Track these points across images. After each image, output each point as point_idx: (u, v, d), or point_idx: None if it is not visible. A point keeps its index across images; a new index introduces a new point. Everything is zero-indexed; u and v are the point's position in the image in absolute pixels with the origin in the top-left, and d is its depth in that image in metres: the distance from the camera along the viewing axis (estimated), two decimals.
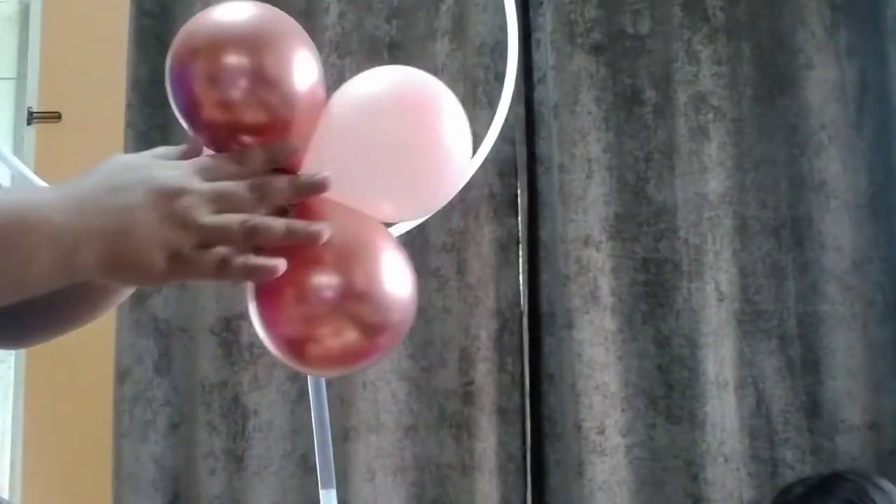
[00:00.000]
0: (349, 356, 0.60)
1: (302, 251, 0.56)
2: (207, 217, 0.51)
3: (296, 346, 0.60)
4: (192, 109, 0.60)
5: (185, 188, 0.52)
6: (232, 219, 0.52)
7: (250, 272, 0.54)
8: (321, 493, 1.10)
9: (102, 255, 0.49)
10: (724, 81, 1.97)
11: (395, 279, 0.60)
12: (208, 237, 0.52)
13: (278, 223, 0.54)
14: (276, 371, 1.93)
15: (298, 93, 0.60)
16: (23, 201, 0.50)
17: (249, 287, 0.60)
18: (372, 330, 0.58)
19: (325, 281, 0.57)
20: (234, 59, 0.58)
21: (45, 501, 2.00)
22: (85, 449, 1.99)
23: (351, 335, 0.58)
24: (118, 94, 1.97)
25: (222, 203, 0.52)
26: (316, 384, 1.07)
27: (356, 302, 0.58)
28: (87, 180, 0.52)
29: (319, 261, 0.57)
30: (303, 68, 0.61)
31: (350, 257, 0.58)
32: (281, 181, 0.56)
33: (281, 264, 0.54)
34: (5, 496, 1.98)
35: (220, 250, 0.52)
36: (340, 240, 0.57)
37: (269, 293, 0.59)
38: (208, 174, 0.54)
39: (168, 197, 0.51)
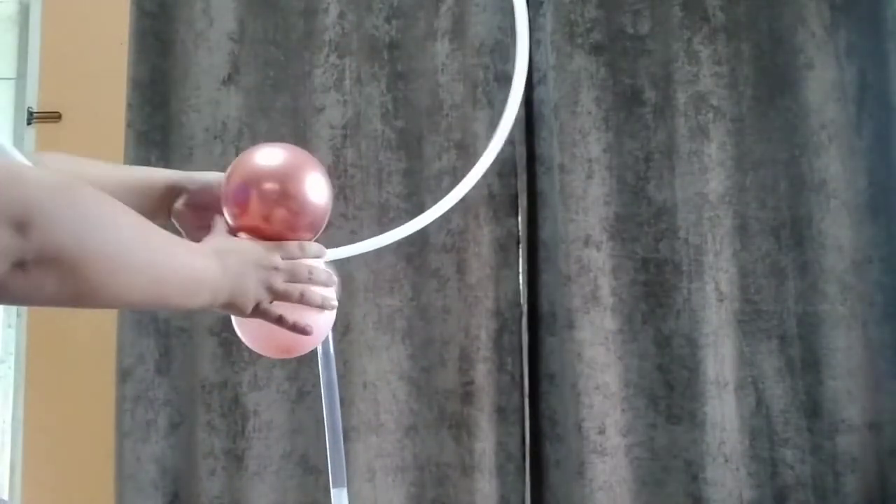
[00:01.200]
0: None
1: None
2: (281, 284, 0.88)
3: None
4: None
5: (273, 265, 0.87)
6: (293, 289, 0.89)
7: (294, 328, 0.91)
8: (332, 491, 1.10)
9: (227, 301, 0.83)
10: (724, 81, 1.97)
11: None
12: (277, 297, 0.88)
13: (317, 297, 0.93)
14: (276, 371, 1.93)
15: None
16: (202, 266, 0.81)
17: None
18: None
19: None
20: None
21: (45, 501, 2.00)
22: (85, 449, 1.99)
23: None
24: (118, 94, 1.97)
25: (290, 277, 0.89)
26: (328, 381, 1.08)
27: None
28: (224, 261, 0.85)
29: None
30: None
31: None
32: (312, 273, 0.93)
33: (309, 329, 0.94)
34: (5, 496, 1.98)
35: (279, 309, 0.89)
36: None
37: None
38: (284, 254, 0.89)
39: (264, 270, 0.87)
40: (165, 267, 0.75)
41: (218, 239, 0.88)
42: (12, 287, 0.62)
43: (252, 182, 0.90)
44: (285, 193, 0.89)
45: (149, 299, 0.75)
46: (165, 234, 0.78)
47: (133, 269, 0.71)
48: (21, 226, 0.60)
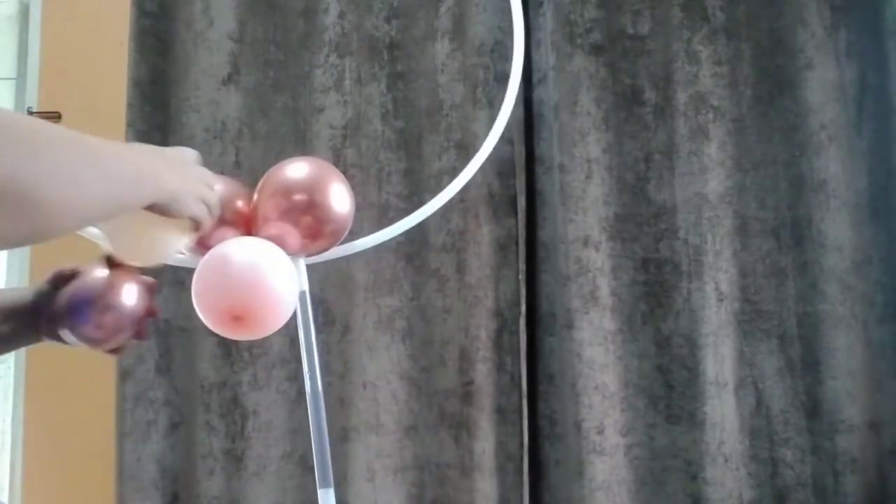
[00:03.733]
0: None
1: None
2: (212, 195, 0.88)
3: None
4: None
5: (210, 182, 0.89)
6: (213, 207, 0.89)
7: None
8: (319, 492, 1.11)
9: (171, 193, 0.79)
10: (724, 81, 1.97)
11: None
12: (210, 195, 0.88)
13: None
14: (275, 371, 1.93)
15: None
16: (147, 159, 0.79)
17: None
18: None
19: None
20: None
21: (45, 501, 2.00)
22: (85, 449, 1.99)
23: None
24: (118, 94, 1.97)
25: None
26: (312, 384, 1.09)
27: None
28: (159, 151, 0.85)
29: None
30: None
31: None
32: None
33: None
34: (5, 496, 1.98)
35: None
36: None
37: None
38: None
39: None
40: (112, 167, 0.70)
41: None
42: None
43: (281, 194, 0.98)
44: (312, 203, 0.98)
45: (106, 206, 0.70)
46: (97, 139, 0.71)
47: (84, 178, 0.65)
48: None
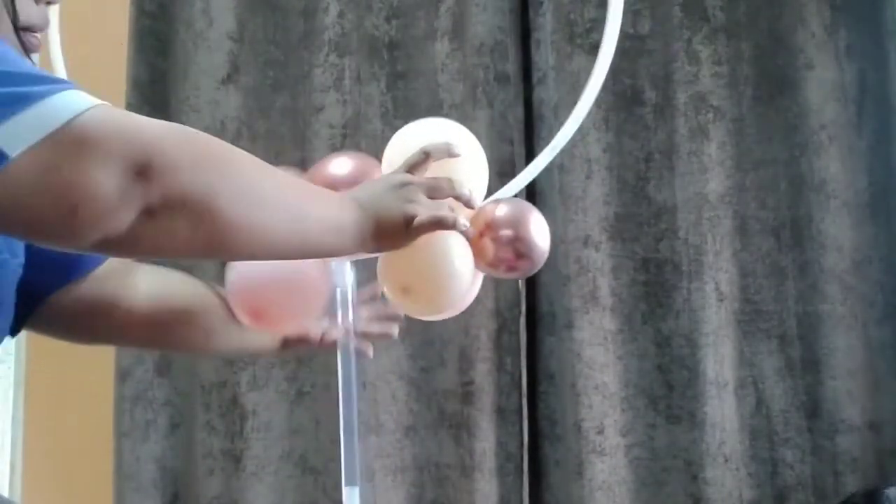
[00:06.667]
0: None
1: None
2: (424, 198, 0.80)
3: None
4: None
5: (405, 180, 0.83)
6: (438, 204, 0.83)
7: (456, 226, 0.82)
8: (344, 490, 1.11)
9: (376, 230, 0.76)
10: (724, 81, 1.97)
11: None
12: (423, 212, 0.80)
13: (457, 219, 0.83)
14: (275, 371, 1.93)
15: None
16: (338, 200, 0.77)
17: None
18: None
19: None
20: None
21: (45, 501, 2.00)
22: (85, 449, 1.98)
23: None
24: (118, 94, 1.96)
25: (430, 191, 0.82)
26: (345, 378, 1.09)
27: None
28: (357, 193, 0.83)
29: None
30: None
31: None
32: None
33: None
34: (5, 496, 1.98)
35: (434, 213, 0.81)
36: None
37: None
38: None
39: (399, 187, 0.81)
40: (303, 201, 0.72)
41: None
42: (145, 237, 0.60)
43: None
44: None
45: (293, 239, 0.70)
46: (291, 175, 0.76)
47: (270, 204, 0.67)
48: (142, 170, 0.58)
